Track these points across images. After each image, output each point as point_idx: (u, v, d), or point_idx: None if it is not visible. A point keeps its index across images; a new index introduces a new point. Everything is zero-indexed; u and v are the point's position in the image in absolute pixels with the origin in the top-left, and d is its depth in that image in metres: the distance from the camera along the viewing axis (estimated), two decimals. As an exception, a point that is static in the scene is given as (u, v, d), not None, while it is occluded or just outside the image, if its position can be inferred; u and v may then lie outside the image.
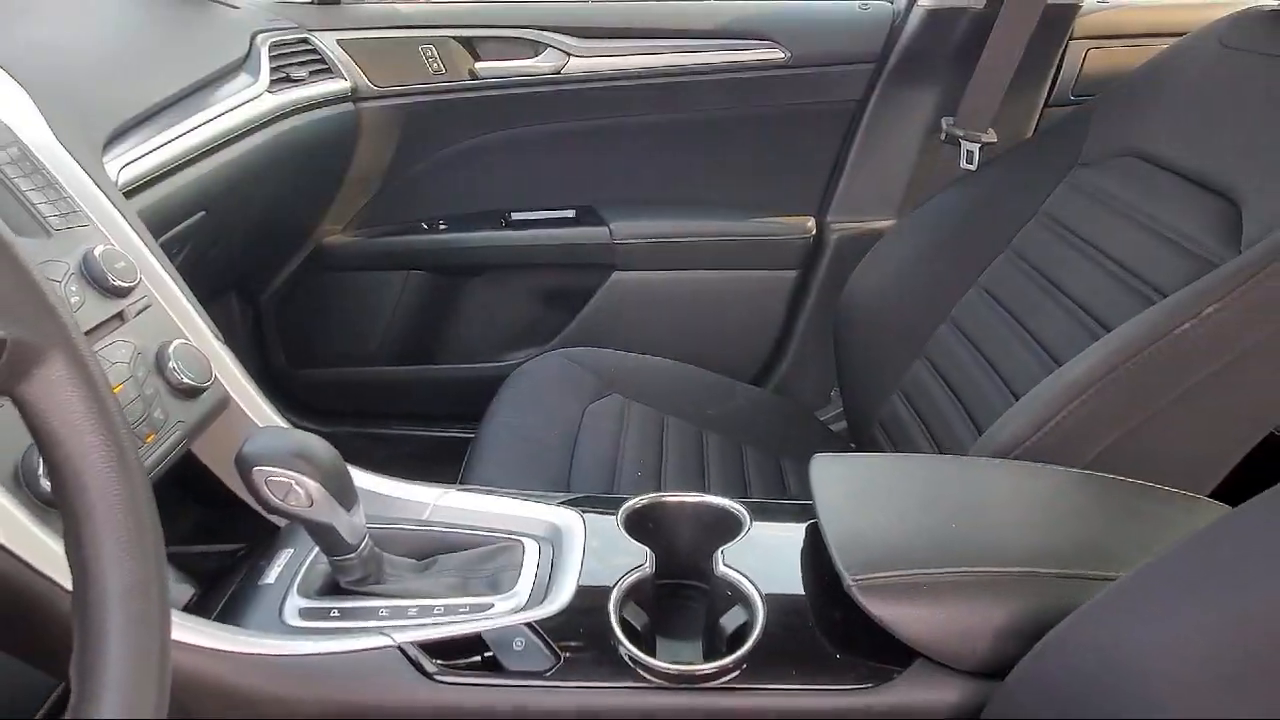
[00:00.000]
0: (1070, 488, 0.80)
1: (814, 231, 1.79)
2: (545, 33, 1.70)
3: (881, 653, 0.68)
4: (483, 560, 0.79)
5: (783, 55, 1.69)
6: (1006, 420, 0.95)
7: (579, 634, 0.69)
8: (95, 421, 0.40)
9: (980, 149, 1.51)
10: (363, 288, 1.84)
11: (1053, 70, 1.66)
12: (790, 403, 1.71)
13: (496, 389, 1.42)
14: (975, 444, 0.99)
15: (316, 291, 1.82)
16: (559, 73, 1.71)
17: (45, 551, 0.58)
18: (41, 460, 0.58)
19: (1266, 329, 0.87)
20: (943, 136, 1.57)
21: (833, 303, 1.53)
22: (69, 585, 0.56)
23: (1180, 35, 1.26)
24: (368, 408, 1.91)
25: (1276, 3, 1.13)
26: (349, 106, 1.62)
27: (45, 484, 0.60)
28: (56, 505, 0.59)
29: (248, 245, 1.47)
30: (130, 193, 0.92)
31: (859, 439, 1.43)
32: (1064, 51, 1.66)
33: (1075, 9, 1.59)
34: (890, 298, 1.42)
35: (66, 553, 0.40)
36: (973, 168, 1.51)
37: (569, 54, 1.70)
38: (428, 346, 1.89)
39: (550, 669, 0.67)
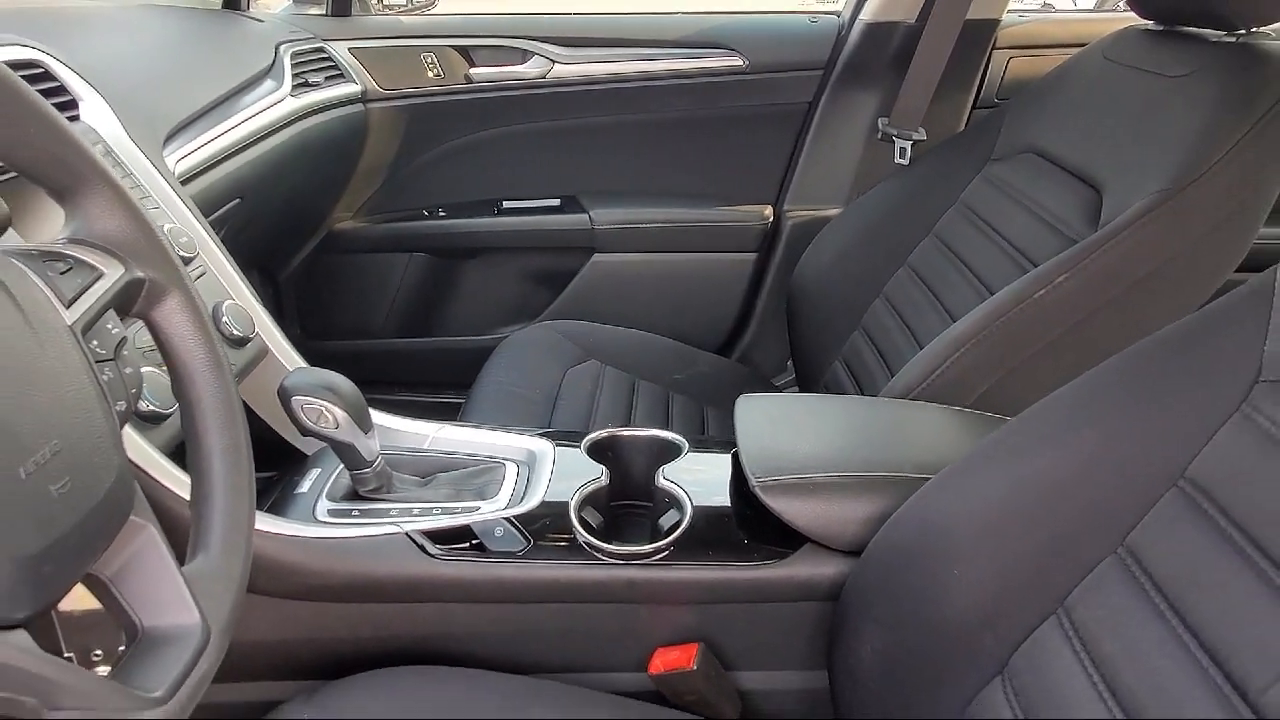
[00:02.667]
0: (937, 418, 0.96)
1: (771, 218, 1.88)
2: (532, 42, 1.79)
3: (778, 539, 0.83)
4: (472, 476, 0.95)
5: (742, 62, 1.80)
6: (906, 370, 1.11)
7: (546, 526, 0.85)
8: (201, 338, 0.57)
9: (912, 146, 1.65)
10: (370, 268, 1.92)
11: (979, 76, 1.76)
12: (749, 370, 1.83)
13: (489, 358, 1.52)
14: (883, 390, 1.16)
15: (329, 271, 1.90)
16: (545, 78, 1.80)
17: (145, 455, 0.72)
18: (143, 384, 0.75)
19: (1106, 295, 1.03)
20: (879, 135, 1.71)
21: (788, 282, 1.65)
22: (164, 481, 0.73)
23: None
24: (374, 375, 1.96)
25: (1150, 24, 1.28)
26: (359, 107, 1.71)
27: (141, 404, 0.76)
28: (153, 421, 0.75)
29: (272, 228, 1.57)
30: (183, 182, 1.04)
31: (808, 402, 1.57)
32: (988, 60, 1.76)
33: (995, 23, 1.70)
34: (834, 277, 1.54)
35: (183, 425, 0.56)
36: (905, 162, 1.64)
37: (554, 61, 1.80)
38: (428, 320, 1.97)
39: (523, 550, 0.82)
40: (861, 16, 1.73)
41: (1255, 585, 0.50)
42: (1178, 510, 0.57)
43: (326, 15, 1.78)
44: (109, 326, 0.51)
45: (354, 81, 1.71)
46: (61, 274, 0.49)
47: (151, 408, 0.75)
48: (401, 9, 1.90)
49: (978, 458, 0.71)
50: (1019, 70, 1.77)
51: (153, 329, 0.56)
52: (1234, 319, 0.60)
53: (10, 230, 0.64)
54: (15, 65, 0.90)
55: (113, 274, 0.52)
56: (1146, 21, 1.28)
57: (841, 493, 0.82)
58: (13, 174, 0.71)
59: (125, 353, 0.51)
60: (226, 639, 0.50)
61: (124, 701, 0.41)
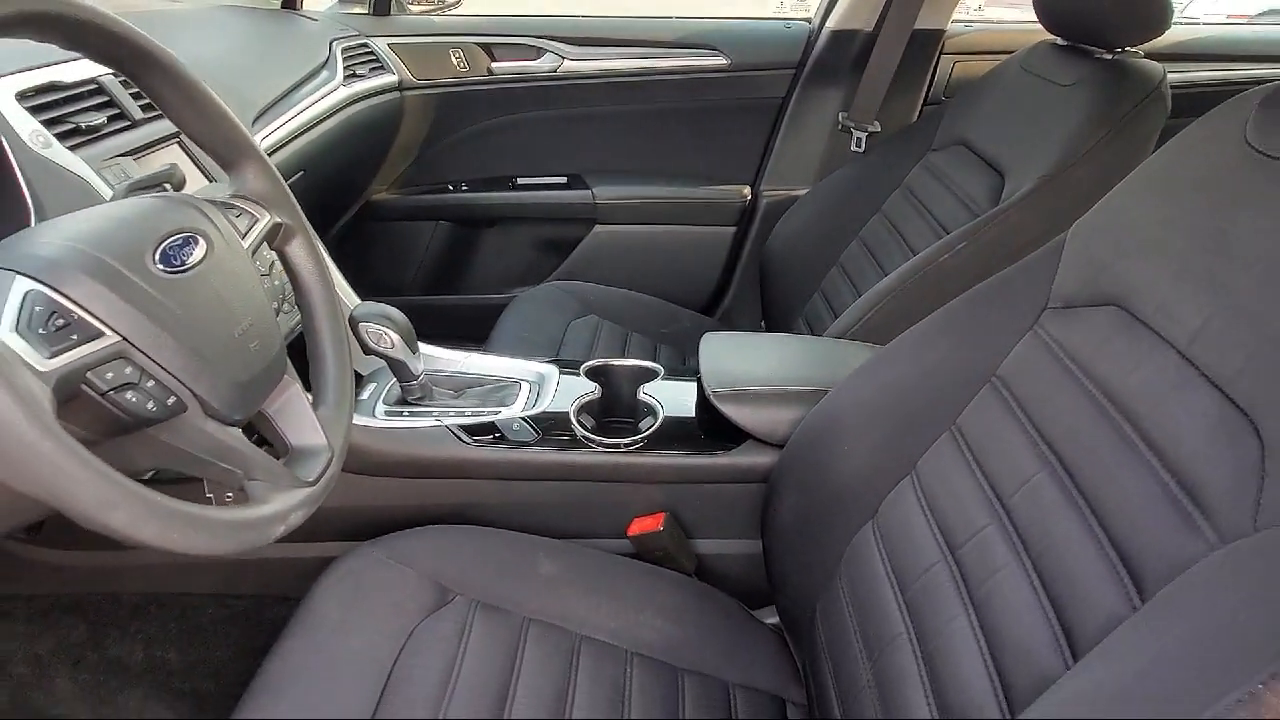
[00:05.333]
0: (851, 349, 1.18)
1: (749, 197, 2.06)
2: (546, 41, 1.98)
3: (726, 436, 1.06)
4: (494, 390, 1.17)
5: (725, 61, 1.98)
6: (843, 317, 1.33)
7: (553, 424, 1.07)
8: (317, 266, 0.80)
9: (867, 137, 1.86)
10: (401, 234, 2.10)
11: (928, 77, 1.94)
12: (727, 327, 1.97)
13: (502, 313, 1.70)
14: (825, 333, 1.37)
15: (365, 236, 2.07)
16: (556, 72, 1.98)
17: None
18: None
19: (996, 259, 1.24)
20: (840, 127, 1.91)
21: (762, 251, 1.84)
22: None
23: None
24: None
25: (1060, 40, 1.48)
26: (396, 95, 1.88)
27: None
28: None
29: (322, 198, 1.70)
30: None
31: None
32: (937, 63, 1.94)
33: (940, 33, 1.89)
34: (799, 249, 1.75)
35: (303, 324, 0.79)
36: (861, 150, 1.86)
37: (564, 57, 1.98)
38: (450, 280, 2.15)
39: (534, 441, 1.05)
40: (828, 24, 1.92)
41: (1023, 440, 0.73)
42: (989, 399, 0.80)
43: (368, 14, 1.96)
44: (264, 252, 0.74)
45: (392, 72, 1.89)
46: (235, 217, 0.71)
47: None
48: (431, 9, 2.07)
49: (864, 369, 0.94)
50: (963, 72, 1.95)
51: (285, 258, 0.79)
52: (1037, 267, 0.83)
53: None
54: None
55: (263, 219, 0.74)
56: (1056, 36, 1.49)
57: (775, 400, 1.05)
58: (174, 140, 0.94)
59: (275, 271, 0.74)
60: (343, 459, 0.73)
61: (292, 481, 0.65)
